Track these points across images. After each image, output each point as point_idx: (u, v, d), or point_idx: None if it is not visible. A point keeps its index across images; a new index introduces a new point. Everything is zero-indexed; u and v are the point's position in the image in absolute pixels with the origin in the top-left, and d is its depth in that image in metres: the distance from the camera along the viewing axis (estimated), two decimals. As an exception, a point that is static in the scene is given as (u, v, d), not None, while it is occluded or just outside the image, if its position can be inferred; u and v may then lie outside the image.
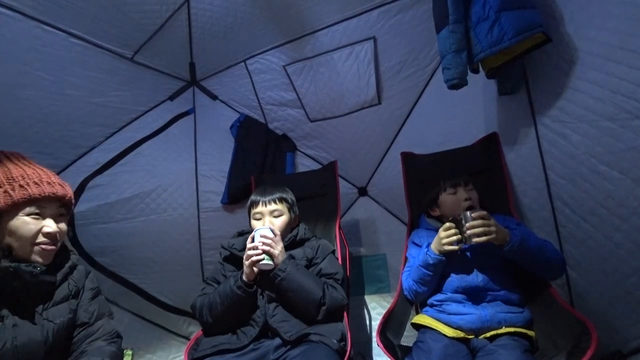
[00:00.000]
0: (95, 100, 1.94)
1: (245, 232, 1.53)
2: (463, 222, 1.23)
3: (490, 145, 1.66)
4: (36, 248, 0.95)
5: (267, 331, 1.27)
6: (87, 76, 1.87)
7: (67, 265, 1.06)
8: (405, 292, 1.42)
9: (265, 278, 1.30)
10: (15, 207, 0.92)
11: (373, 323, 2.05)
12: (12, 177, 0.94)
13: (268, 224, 1.41)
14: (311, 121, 2.21)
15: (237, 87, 2.31)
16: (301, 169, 2.32)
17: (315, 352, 1.13)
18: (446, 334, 1.20)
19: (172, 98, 2.30)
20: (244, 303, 1.29)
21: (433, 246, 1.31)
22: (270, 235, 1.30)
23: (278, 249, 1.29)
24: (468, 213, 1.23)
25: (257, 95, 2.30)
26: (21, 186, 0.93)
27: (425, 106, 1.96)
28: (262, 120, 2.36)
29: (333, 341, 1.17)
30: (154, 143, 2.20)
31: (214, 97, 2.40)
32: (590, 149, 1.22)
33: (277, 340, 1.23)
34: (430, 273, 1.31)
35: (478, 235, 1.19)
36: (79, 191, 1.95)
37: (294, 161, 2.31)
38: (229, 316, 1.30)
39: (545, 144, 1.42)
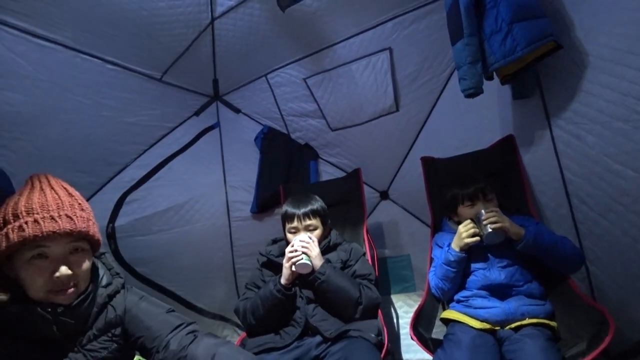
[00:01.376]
0: (128, 119, 2.04)
1: (279, 240, 1.64)
2: (482, 218, 1.35)
3: (507, 148, 1.72)
4: (48, 297, 0.86)
5: (308, 330, 1.38)
6: (120, 98, 1.97)
7: (106, 293, 1.00)
8: (433, 290, 1.50)
9: (305, 281, 1.40)
10: (16, 250, 0.84)
11: (400, 321, 2.13)
12: (17, 213, 0.84)
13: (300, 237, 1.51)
14: (332, 130, 2.30)
15: (259, 100, 2.42)
16: (324, 176, 2.41)
17: (356, 346, 1.23)
18: (474, 326, 1.28)
19: (197, 114, 2.41)
20: (283, 305, 1.39)
21: (454, 244, 1.40)
22: (308, 239, 1.41)
23: (315, 250, 1.40)
24: (482, 211, 1.35)
25: (278, 107, 2.40)
26: (20, 227, 0.83)
27: (441, 112, 2.03)
28: (285, 131, 2.46)
29: (371, 335, 1.26)
30: (183, 158, 2.31)
31: (237, 111, 2.51)
32: (604, 149, 1.27)
33: (318, 338, 1.33)
34: (453, 269, 1.39)
35: (492, 222, 1.31)
36: (118, 206, 2.06)
37: (318, 169, 2.41)
38: (271, 317, 1.41)
39: (561, 145, 1.48)
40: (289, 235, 1.56)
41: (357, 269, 1.49)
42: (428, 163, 1.92)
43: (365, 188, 2.12)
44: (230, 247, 2.49)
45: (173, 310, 1.10)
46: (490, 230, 1.31)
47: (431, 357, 1.27)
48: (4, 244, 0.83)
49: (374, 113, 2.15)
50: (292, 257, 1.38)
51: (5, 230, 0.84)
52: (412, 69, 2.01)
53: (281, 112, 2.41)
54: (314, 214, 1.55)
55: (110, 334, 0.99)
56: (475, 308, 1.35)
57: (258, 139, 2.47)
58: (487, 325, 1.29)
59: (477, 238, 1.36)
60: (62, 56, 1.68)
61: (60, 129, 1.78)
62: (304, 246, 1.39)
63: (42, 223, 0.84)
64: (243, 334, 1.54)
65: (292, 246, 1.41)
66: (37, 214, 0.85)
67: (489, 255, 1.42)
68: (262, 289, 1.45)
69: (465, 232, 1.37)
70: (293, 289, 1.42)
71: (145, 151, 2.19)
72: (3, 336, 0.85)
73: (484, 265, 1.41)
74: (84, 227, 0.91)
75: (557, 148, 1.50)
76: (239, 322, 2.40)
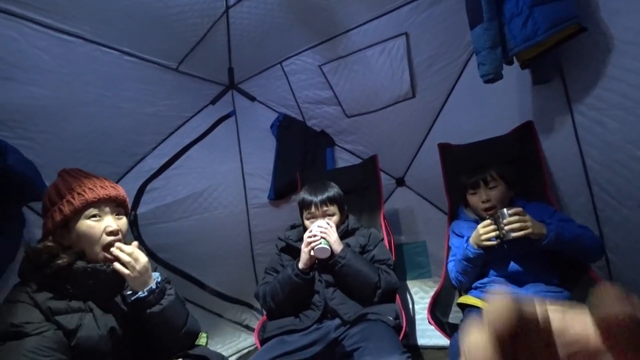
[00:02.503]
0: (146, 110, 2.08)
1: (298, 225, 1.68)
2: (500, 219, 1.29)
3: (525, 134, 1.70)
4: (106, 250, 1.05)
5: (327, 313, 1.42)
6: (138, 89, 2.00)
7: None
8: (452, 281, 1.52)
9: (325, 265, 1.44)
10: (77, 213, 1.03)
11: (416, 307, 2.17)
12: (71, 187, 1.06)
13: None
14: (348, 117, 2.30)
15: (275, 88, 2.43)
16: (340, 163, 2.42)
17: (375, 328, 1.27)
18: (492, 311, 1.30)
19: (213, 102, 2.43)
20: (302, 289, 1.43)
21: (472, 241, 1.38)
22: (326, 225, 1.44)
23: (334, 235, 1.43)
24: (505, 210, 1.28)
25: (294, 95, 2.40)
26: (79, 194, 1.04)
27: (458, 97, 2.00)
28: (300, 118, 2.47)
29: (389, 318, 1.30)
30: (200, 146, 2.35)
31: (253, 99, 2.53)
32: (627, 135, 1.25)
33: (337, 321, 1.38)
34: (471, 265, 1.40)
35: (515, 230, 1.25)
36: (139, 195, 2.12)
37: (334, 156, 2.42)
38: (290, 301, 1.45)
39: (582, 131, 1.45)
40: (306, 222, 1.60)
41: (375, 254, 1.52)
42: (445, 149, 1.91)
43: (382, 175, 2.13)
44: (248, 233, 2.55)
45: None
46: (512, 237, 1.26)
47: (447, 342, 1.30)
48: (67, 209, 1.02)
49: (390, 99, 2.13)
50: (310, 242, 1.41)
51: (65, 199, 1.03)
52: (428, 55, 1.98)
53: (296, 100, 2.42)
54: (331, 200, 1.58)
55: None
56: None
57: (274, 126, 2.49)
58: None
59: (495, 242, 1.31)
60: (83, 49, 1.72)
61: (83, 122, 1.83)
62: (322, 231, 1.42)
63: (95, 190, 1.06)
64: (263, 317, 1.59)
65: (311, 231, 1.44)
66: (89, 185, 1.07)
67: (506, 246, 1.42)
68: (280, 274, 1.49)
69: (484, 233, 1.33)
70: (311, 273, 1.45)
71: (163, 141, 2.23)
72: (61, 295, 1.01)
73: (502, 256, 1.40)
74: (123, 195, 1.14)
75: (578, 134, 1.48)
76: (257, 306, 2.49)
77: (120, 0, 1.69)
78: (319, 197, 1.57)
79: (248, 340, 2.43)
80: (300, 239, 1.48)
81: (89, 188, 1.06)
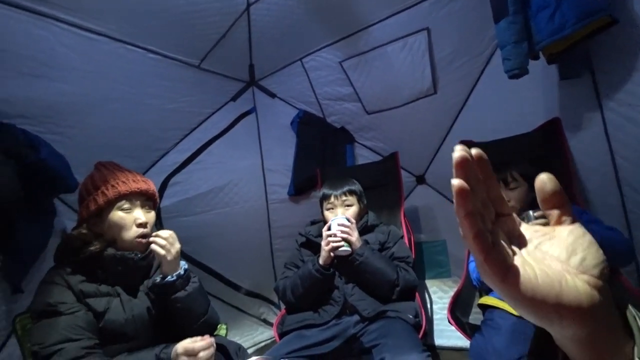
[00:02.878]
0: (169, 106, 2.12)
1: (318, 221, 1.69)
2: (526, 220, 1.22)
3: (551, 131, 1.65)
4: (133, 241, 1.12)
5: (346, 309, 1.43)
6: (161, 86, 2.04)
7: None
8: (474, 282, 1.49)
9: (344, 261, 1.44)
10: (110, 204, 1.11)
11: (434, 306, 2.14)
12: (105, 179, 1.13)
13: (340, 214, 1.54)
14: (368, 113, 2.28)
15: (295, 84, 2.43)
16: (360, 159, 2.41)
17: (394, 326, 1.27)
18: (513, 312, 1.26)
19: (234, 99, 2.46)
20: (322, 284, 1.44)
21: None
22: (347, 223, 1.43)
23: (355, 235, 1.43)
24: (531, 212, 1.23)
25: (314, 91, 2.40)
26: (112, 186, 1.11)
27: (481, 94, 1.96)
28: (320, 115, 2.47)
29: (409, 316, 1.29)
30: (222, 142, 2.39)
31: (273, 96, 2.55)
32: None
33: (356, 317, 1.38)
34: None
35: None
36: (162, 189, 2.18)
37: (353, 152, 2.41)
38: (309, 296, 1.46)
39: (612, 129, 1.40)
40: (326, 213, 1.61)
41: (395, 251, 1.52)
42: (467, 146, 1.86)
43: (402, 172, 2.11)
44: (268, 228, 2.59)
45: None
46: None
47: (466, 343, 1.28)
48: (101, 200, 1.10)
49: (411, 96, 2.11)
50: (332, 242, 1.41)
51: (99, 190, 1.11)
52: (450, 50, 1.94)
53: (317, 96, 2.42)
54: (350, 192, 1.63)
55: None
56: (515, 295, 1.33)
57: (294, 123, 2.50)
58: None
59: None
60: (108, 47, 1.76)
61: (108, 118, 1.88)
62: (343, 231, 1.42)
63: (128, 183, 1.13)
64: (282, 311, 1.61)
65: (329, 229, 1.44)
66: (122, 178, 1.14)
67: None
68: (301, 269, 1.51)
69: None
70: (331, 269, 1.46)
71: (185, 136, 2.28)
72: (91, 280, 1.09)
73: None
74: (153, 189, 1.21)
75: (607, 132, 1.43)
76: (275, 300, 2.52)
77: (144, -1, 1.73)
78: (339, 189, 1.62)
79: (265, 334, 2.46)
80: (321, 235, 1.49)
81: (122, 181, 1.13)
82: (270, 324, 2.50)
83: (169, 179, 2.20)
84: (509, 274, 0.30)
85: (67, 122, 1.70)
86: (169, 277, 1.12)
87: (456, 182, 0.30)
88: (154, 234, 1.14)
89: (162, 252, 1.10)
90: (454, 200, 0.30)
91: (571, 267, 0.31)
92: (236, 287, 2.43)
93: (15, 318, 1.18)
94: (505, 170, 1.44)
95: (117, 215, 1.11)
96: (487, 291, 1.46)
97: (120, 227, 1.11)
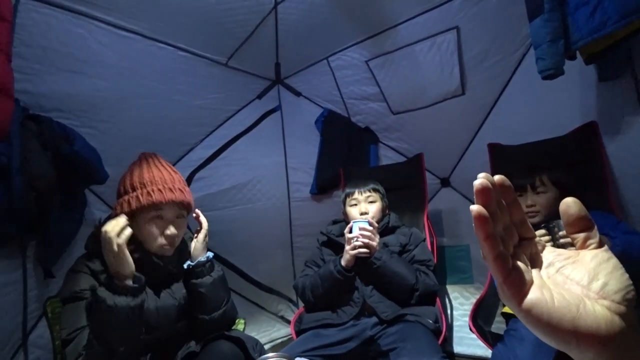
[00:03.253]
0: (196, 103, 2.16)
1: (340, 221, 1.69)
2: (556, 229, 1.19)
3: (587, 135, 1.57)
4: (159, 248, 1.14)
5: (364, 310, 1.41)
6: (189, 82, 2.08)
7: (187, 252, 1.26)
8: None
9: (363, 263, 1.42)
10: (143, 210, 1.10)
11: (455, 312, 2.09)
12: (143, 182, 1.12)
13: (364, 209, 1.55)
14: (393, 114, 2.25)
15: (320, 83, 2.43)
16: (384, 160, 2.39)
17: (413, 330, 1.24)
18: (539, 324, 1.22)
19: (260, 97, 2.49)
20: (342, 285, 1.43)
21: None
22: (370, 228, 1.42)
23: (376, 240, 1.41)
24: (562, 222, 1.18)
25: (339, 91, 2.39)
26: (148, 193, 1.10)
27: (512, 95, 1.89)
28: (345, 114, 2.46)
29: (429, 321, 1.26)
30: (246, 139, 2.42)
31: (298, 94, 2.56)
32: None
33: (374, 319, 1.37)
34: None
35: (572, 245, 1.15)
36: (187, 183, 2.22)
37: (377, 153, 2.39)
38: (329, 296, 1.46)
39: (654, 134, 1.33)
40: (349, 210, 1.62)
41: (416, 254, 1.49)
42: (495, 150, 1.81)
43: (426, 174, 2.07)
44: (289, 226, 2.60)
45: None
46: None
47: (487, 352, 1.24)
48: (134, 204, 1.10)
49: (438, 96, 2.06)
50: (355, 247, 1.40)
51: (135, 193, 1.11)
52: (480, 49, 1.88)
53: (342, 95, 2.41)
54: (373, 189, 1.64)
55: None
56: (543, 305, 1.27)
57: (318, 121, 2.51)
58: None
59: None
60: (140, 45, 1.81)
61: (138, 113, 1.93)
62: (364, 235, 1.40)
63: (164, 192, 1.12)
64: (300, 309, 1.61)
65: (351, 231, 1.43)
66: (159, 184, 1.12)
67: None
68: (322, 268, 1.50)
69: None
70: (353, 271, 1.44)
71: (211, 132, 2.32)
72: None
73: None
74: (188, 200, 1.21)
75: (648, 137, 1.34)
76: (293, 298, 2.53)
77: (175, -2, 1.77)
78: (362, 187, 1.64)
79: (282, 331, 2.47)
80: (342, 235, 1.49)
81: (159, 189, 1.11)
82: (288, 321, 2.50)
83: (194, 174, 2.25)
84: (525, 296, 0.31)
85: (100, 116, 1.77)
86: (200, 257, 1.18)
87: (475, 207, 0.32)
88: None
89: (205, 226, 1.22)
90: (474, 224, 0.32)
91: (592, 291, 0.32)
92: (255, 283, 2.45)
93: (46, 301, 1.24)
94: (534, 174, 1.39)
95: (147, 222, 1.11)
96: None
97: (148, 235, 1.12)
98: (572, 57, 1.38)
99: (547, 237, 1.22)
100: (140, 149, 1.97)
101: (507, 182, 0.35)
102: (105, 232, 1.01)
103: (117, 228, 1.01)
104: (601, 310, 0.30)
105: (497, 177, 0.35)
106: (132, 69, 1.83)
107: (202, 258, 1.20)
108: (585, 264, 0.34)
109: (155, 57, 1.90)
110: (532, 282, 0.32)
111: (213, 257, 1.25)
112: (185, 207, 1.21)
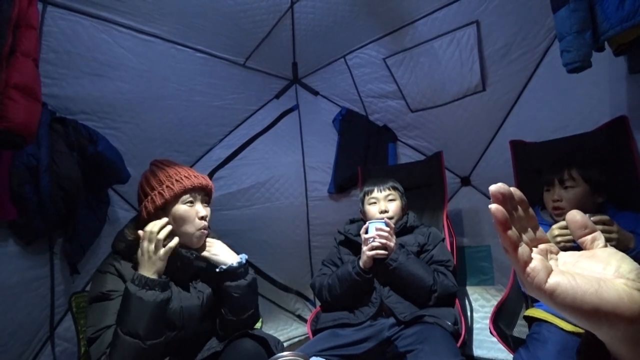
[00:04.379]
0: (216, 103, 2.20)
1: (357, 220, 1.68)
2: None
3: (617, 131, 1.49)
4: (197, 233, 1.18)
5: (382, 311, 1.39)
6: (208, 83, 2.12)
7: None
8: (524, 291, 1.39)
9: (380, 264, 1.41)
10: (176, 198, 1.16)
11: (475, 315, 2.04)
12: (169, 175, 1.19)
13: (383, 207, 1.54)
14: (412, 111, 2.22)
15: (338, 82, 2.43)
16: (402, 159, 2.36)
17: (431, 332, 1.21)
18: (564, 328, 1.16)
19: (277, 97, 2.51)
20: (360, 287, 1.42)
21: None
22: (386, 228, 1.40)
23: (393, 241, 1.39)
24: (587, 215, 1.13)
25: (357, 89, 2.38)
26: (177, 181, 1.16)
27: (535, 90, 1.82)
28: (363, 113, 2.44)
29: (448, 323, 1.23)
30: (265, 138, 2.44)
31: (316, 93, 2.56)
32: None
33: (392, 320, 1.35)
34: None
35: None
36: (207, 183, 2.27)
37: (396, 151, 2.36)
38: (346, 297, 1.45)
39: (690, 129, 1.24)
40: (368, 208, 1.61)
41: (434, 254, 1.46)
42: (518, 147, 1.75)
43: (446, 173, 2.02)
44: (307, 225, 2.61)
45: None
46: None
47: (508, 356, 1.20)
48: (167, 194, 1.15)
49: (458, 93, 2.01)
50: (372, 248, 1.39)
51: (164, 186, 1.16)
52: (502, 44, 1.83)
53: (359, 94, 2.39)
54: (393, 187, 1.63)
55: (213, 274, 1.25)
56: (568, 309, 1.22)
57: (336, 120, 2.50)
58: (579, 329, 1.15)
59: (570, 244, 1.16)
60: (161, 48, 1.86)
61: (160, 114, 1.98)
62: (381, 235, 1.39)
63: (191, 178, 1.19)
64: (317, 308, 1.61)
65: (367, 232, 1.41)
66: (184, 174, 1.20)
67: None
68: (340, 269, 1.49)
69: (558, 234, 1.18)
70: (371, 273, 1.43)
71: (230, 132, 2.35)
72: None
73: None
74: (211, 185, 1.27)
75: (684, 132, 1.26)
76: (310, 297, 2.53)
77: (195, 1, 1.80)
78: (381, 185, 1.63)
79: (299, 330, 2.48)
80: (359, 234, 1.47)
81: (186, 177, 1.18)
82: (305, 320, 2.51)
83: (214, 173, 2.28)
84: (547, 279, 0.34)
85: (122, 118, 1.82)
86: (240, 259, 1.22)
87: (493, 206, 0.37)
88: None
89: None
90: (494, 220, 0.36)
91: (607, 274, 0.34)
92: (273, 282, 2.47)
93: (71, 296, 1.29)
94: (564, 168, 1.34)
95: (182, 208, 1.16)
96: (535, 302, 1.35)
97: (184, 220, 1.16)
98: (601, 49, 1.31)
99: (568, 230, 1.17)
100: (161, 150, 2.02)
101: (519, 194, 0.40)
102: (151, 232, 1.08)
103: (161, 229, 1.09)
104: (620, 286, 0.32)
105: (513, 190, 0.39)
106: (152, 71, 1.87)
107: (237, 262, 1.21)
108: (596, 257, 0.37)
109: (175, 60, 1.94)
110: (551, 269, 0.35)
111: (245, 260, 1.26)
112: (208, 193, 1.27)
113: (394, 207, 1.58)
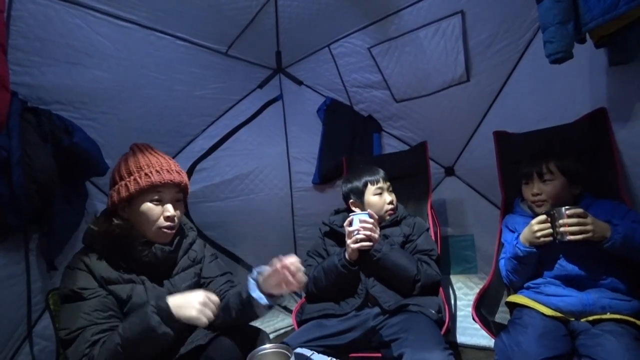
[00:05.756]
0: (198, 93, 2.14)
1: (342, 210, 1.67)
2: (557, 216, 1.18)
3: (597, 122, 1.52)
4: (158, 231, 1.10)
5: (367, 302, 1.40)
6: (190, 72, 2.06)
7: (188, 242, 1.24)
8: (504, 280, 1.42)
9: (364, 255, 1.41)
10: (142, 192, 1.08)
11: (458, 303, 2.08)
12: (140, 166, 1.09)
13: (389, 197, 1.57)
14: (397, 102, 2.22)
15: (322, 71, 2.40)
16: (387, 149, 2.36)
17: (415, 320, 1.23)
18: (544, 312, 1.20)
19: (261, 86, 2.46)
20: (346, 279, 1.42)
21: (523, 238, 1.27)
22: (371, 220, 1.40)
23: (377, 232, 1.40)
24: (563, 209, 1.17)
25: (342, 79, 2.36)
26: (146, 174, 1.08)
27: (519, 81, 1.84)
28: (348, 103, 2.43)
29: (432, 312, 1.26)
30: (249, 129, 2.40)
31: (300, 83, 2.52)
32: None
33: (377, 309, 1.36)
34: (522, 264, 1.29)
35: (573, 233, 1.14)
36: (189, 174, 2.21)
37: (381, 142, 2.36)
38: (332, 288, 1.45)
39: (667, 120, 1.28)
40: (372, 198, 1.59)
41: (418, 244, 1.48)
42: (501, 138, 1.77)
43: (430, 163, 2.04)
44: (291, 216, 2.60)
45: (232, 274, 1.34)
46: (567, 239, 1.15)
47: (490, 342, 1.22)
48: (132, 188, 1.07)
49: (443, 83, 2.02)
50: (358, 240, 1.38)
51: (132, 177, 1.08)
52: (486, 34, 1.83)
53: (344, 84, 2.37)
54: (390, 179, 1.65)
55: (192, 270, 1.22)
56: (548, 295, 1.26)
57: (321, 110, 2.48)
58: (559, 314, 1.20)
59: (550, 238, 1.21)
60: (139, 35, 1.79)
61: (139, 104, 1.92)
62: (365, 227, 1.38)
63: (162, 173, 1.09)
64: (302, 299, 1.61)
65: (351, 224, 1.41)
66: (156, 167, 1.10)
67: (567, 244, 1.29)
68: (326, 261, 1.49)
69: (538, 230, 1.22)
70: (357, 265, 1.43)
71: (213, 123, 2.31)
72: (116, 266, 1.09)
73: (562, 255, 1.28)
74: (187, 181, 1.18)
75: (661, 123, 1.30)
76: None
77: (175, -15, 1.74)
78: (381, 175, 1.62)
79: (285, 321, 2.49)
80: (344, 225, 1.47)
81: (156, 170, 1.09)
82: (290, 312, 2.51)
83: (196, 164, 2.24)
84: None
85: (100, 108, 1.76)
86: (266, 300, 1.06)
87: None
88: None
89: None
90: None
91: None
92: (258, 273, 2.46)
93: (48, 294, 1.25)
94: (541, 161, 1.36)
95: (146, 205, 1.09)
96: (517, 289, 1.39)
97: (147, 218, 1.09)
98: (582, 40, 1.33)
99: (547, 224, 1.21)
100: (141, 140, 1.94)
101: None
102: (212, 303, 1.00)
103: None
104: None
105: None
106: (131, 59, 1.80)
107: (269, 302, 1.07)
108: None
109: (154, 47, 1.87)
110: None
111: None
112: (182, 190, 1.18)
113: (394, 197, 1.60)
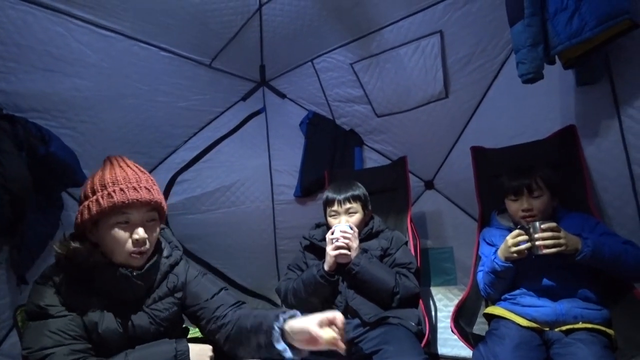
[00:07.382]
0: (180, 104, 2.14)
1: (322, 224, 1.67)
2: (532, 231, 1.22)
3: (567, 139, 1.59)
4: (127, 257, 0.98)
5: (347, 313, 1.40)
6: (173, 84, 2.06)
7: (168, 263, 1.10)
8: (481, 292, 1.44)
9: (344, 268, 1.42)
10: (104, 215, 0.95)
11: (439, 314, 2.09)
12: (104, 184, 0.97)
13: (344, 222, 1.51)
14: (378, 116, 2.26)
15: (305, 85, 2.43)
16: (369, 163, 2.38)
17: (395, 333, 1.24)
18: (520, 323, 1.23)
19: (244, 99, 2.47)
20: (325, 290, 1.42)
21: (500, 253, 1.30)
22: (350, 231, 1.41)
23: (356, 242, 1.41)
24: (537, 224, 1.21)
25: (324, 93, 2.39)
26: (109, 194, 0.95)
27: (494, 99, 1.91)
28: (330, 117, 2.45)
29: (411, 324, 1.27)
30: (231, 141, 2.40)
31: (283, 96, 2.55)
32: None
33: (356, 321, 1.36)
34: (499, 279, 1.32)
35: (547, 247, 1.18)
36: (170, 185, 2.20)
37: (362, 156, 2.39)
38: (311, 300, 1.44)
39: (631, 137, 1.35)
40: (330, 220, 1.58)
41: (397, 257, 1.49)
42: (478, 153, 1.83)
43: (410, 177, 2.07)
44: (273, 229, 2.59)
45: (227, 289, 1.20)
46: (542, 252, 1.19)
47: (469, 354, 1.24)
48: (94, 209, 0.95)
49: (422, 99, 2.07)
50: (337, 247, 1.38)
51: (95, 197, 0.96)
52: (464, 53, 1.90)
53: (327, 98, 2.40)
54: (354, 198, 1.57)
55: (171, 298, 1.10)
56: (523, 306, 1.29)
57: (303, 124, 2.50)
58: (534, 325, 1.23)
59: (524, 255, 1.24)
60: (122, 45, 1.78)
61: (121, 113, 1.90)
62: (345, 237, 1.39)
63: (127, 192, 0.96)
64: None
65: (333, 233, 1.42)
66: (122, 184, 0.96)
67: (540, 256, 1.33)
68: (305, 273, 1.48)
69: (513, 245, 1.25)
70: (336, 276, 1.43)
71: (195, 134, 2.30)
72: (85, 290, 0.99)
73: (536, 267, 1.31)
74: (158, 199, 1.03)
75: (625, 140, 1.38)
76: (277, 301, 2.50)
77: (159, -3, 1.74)
78: (343, 195, 1.56)
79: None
80: (324, 239, 1.47)
81: (120, 189, 0.96)
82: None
83: (177, 176, 2.22)
84: None
85: (79, 117, 1.73)
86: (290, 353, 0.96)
87: None
88: None
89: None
90: None
91: None
92: (239, 287, 2.43)
93: (16, 310, 1.18)
94: (530, 176, 1.38)
95: (111, 228, 0.96)
96: (494, 301, 1.42)
97: (114, 242, 0.97)
98: (552, 62, 1.40)
99: (523, 237, 1.24)
100: (122, 151, 1.91)
101: None
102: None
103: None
104: None
105: None
106: (113, 68, 1.79)
107: (294, 356, 0.97)
108: None
109: (137, 57, 1.87)
110: None
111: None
112: (155, 209, 1.03)
113: (354, 220, 1.53)
